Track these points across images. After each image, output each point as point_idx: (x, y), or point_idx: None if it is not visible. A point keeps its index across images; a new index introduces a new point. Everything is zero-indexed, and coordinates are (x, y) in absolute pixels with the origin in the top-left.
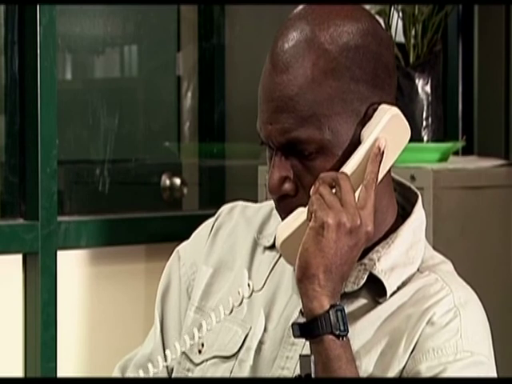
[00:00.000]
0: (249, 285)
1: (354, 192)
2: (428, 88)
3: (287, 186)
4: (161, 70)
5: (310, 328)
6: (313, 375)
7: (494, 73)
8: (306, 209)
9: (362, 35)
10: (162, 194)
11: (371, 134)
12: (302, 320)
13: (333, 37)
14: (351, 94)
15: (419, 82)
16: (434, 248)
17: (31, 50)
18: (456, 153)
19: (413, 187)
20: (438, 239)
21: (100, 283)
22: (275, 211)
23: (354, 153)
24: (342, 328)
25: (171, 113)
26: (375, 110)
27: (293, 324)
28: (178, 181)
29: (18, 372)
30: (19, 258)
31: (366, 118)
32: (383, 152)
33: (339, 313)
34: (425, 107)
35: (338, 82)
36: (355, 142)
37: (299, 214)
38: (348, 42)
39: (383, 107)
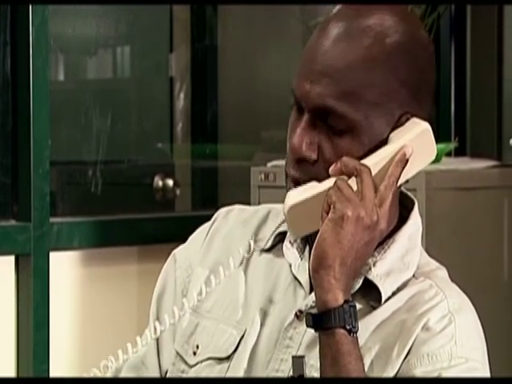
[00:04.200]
0: (250, 244)
1: (375, 189)
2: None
3: (309, 151)
4: (153, 71)
5: (322, 320)
6: (306, 377)
7: (487, 74)
8: (319, 184)
9: (415, 44)
10: (154, 195)
11: (400, 139)
12: (299, 323)
13: (391, 31)
14: (393, 93)
15: None
16: (427, 249)
17: (23, 50)
18: (449, 154)
19: (409, 194)
20: (431, 240)
21: (92, 284)
22: (272, 214)
23: (380, 150)
24: (353, 324)
25: (164, 113)
26: (408, 119)
27: (307, 314)
28: (170, 182)
29: (10, 373)
30: (11, 259)
31: (397, 124)
32: (407, 160)
33: (352, 309)
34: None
35: (386, 75)
36: (382, 141)
37: (311, 187)
38: (404, 44)
39: (416, 120)
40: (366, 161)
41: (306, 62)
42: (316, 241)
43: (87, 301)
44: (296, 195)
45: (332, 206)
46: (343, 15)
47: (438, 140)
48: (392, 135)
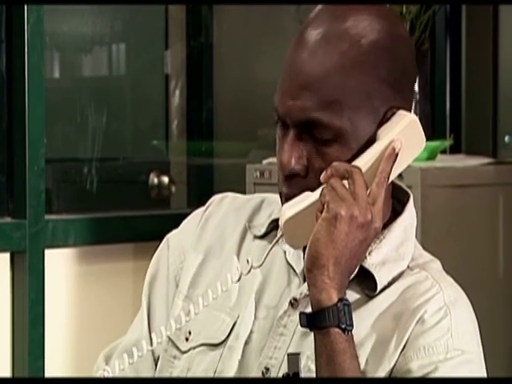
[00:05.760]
0: (247, 261)
1: (367, 188)
2: (416, 87)
3: (298, 165)
4: (149, 69)
5: (317, 319)
6: (301, 374)
7: (482, 71)
8: (313, 193)
9: (393, 38)
10: (150, 193)
11: (388, 134)
12: (293, 311)
13: (366, 31)
14: (375, 92)
15: None
16: (422, 245)
17: (19, 48)
18: (444, 151)
19: (404, 186)
20: (426, 237)
21: (88, 282)
22: (265, 203)
23: (369, 149)
24: (348, 322)
25: (159, 111)
26: (394, 113)
27: (300, 313)
28: (166, 179)
29: (5, 370)
30: (7, 256)
31: (383, 120)
32: (397, 154)
33: (346, 307)
34: (412, 106)
35: (365, 76)
36: (370, 140)
37: (305, 198)
38: (380, 41)
39: (402, 112)
40: (357, 161)
41: (286, 77)
42: (310, 240)
43: (83, 298)
44: (290, 208)
45: (326, 206)
46: (319, 21)
47: (433, 137)
48: (379, 132)
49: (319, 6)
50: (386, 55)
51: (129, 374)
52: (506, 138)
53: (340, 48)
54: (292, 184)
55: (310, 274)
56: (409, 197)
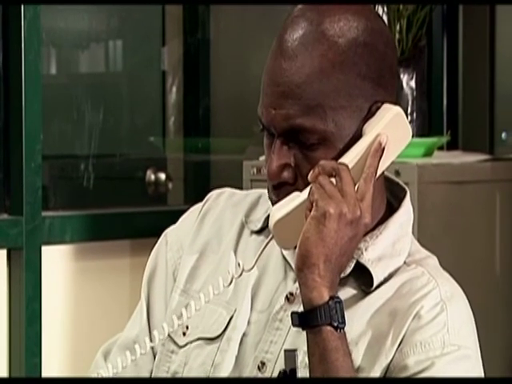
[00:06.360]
0: (239, 264)
1: (354, 184)
2: (413, 83)
3: (286, 173)
4: (145, 65)
5: (308, 318)
6: (298, 371)
7: (479, 68)
8: (301, 193)
9: (370, 33)
10: (146, 189)
11: (373, 129)
12: (289, 306)
13: (343, 30)
14: (357, 90)
15: (404, 77)
16: (419, 242)
17: (16, 44)
18: (441, 148)
19: (401, 183)
20: (423, 234)
21: (85, 278)
22: (263, 199)
23: (355, 145)
24: (340, 320)
25: (156, 108)
26: (378, 107)
27: (292, 313)
28: (162, 176)
29: (2, 367)
30: (3, 253)
31: (368, 115)
32: (384, 148)
33: (338, 305)
34: (409, 102)
35: (345, 75)
36: (357, 138)
37: (294, 198)
38: (357, 38)
39: (387, 106)
40: (343, 158)
41: (267, 87)
42: (299, 239)
43: (79, 294)
44: (279, 209)
45: (314, 204)
46: (295, 26)
47: (430, 134)
48: (365, 127)
49: (294, 11)
50: (364, 51)
51: (129, 368)
52: (503, 135)
53: (318, 51)
54: (281, 192)
55: (301, 273)
56: (405, 193)
